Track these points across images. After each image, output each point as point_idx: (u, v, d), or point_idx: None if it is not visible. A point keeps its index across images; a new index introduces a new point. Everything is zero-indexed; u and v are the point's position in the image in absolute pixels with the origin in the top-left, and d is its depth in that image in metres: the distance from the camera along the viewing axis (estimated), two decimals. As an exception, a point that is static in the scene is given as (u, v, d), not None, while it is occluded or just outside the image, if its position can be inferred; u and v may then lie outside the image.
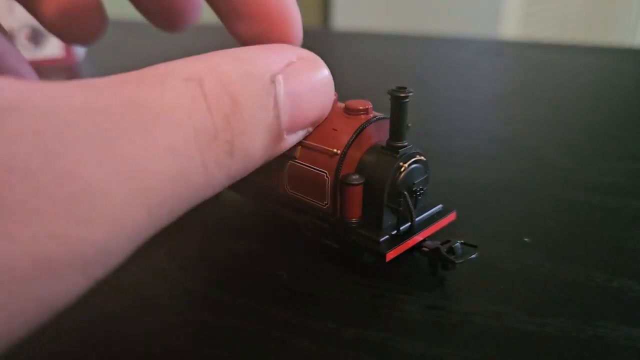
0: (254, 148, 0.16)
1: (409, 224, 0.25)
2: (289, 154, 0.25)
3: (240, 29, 0.21)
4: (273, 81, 0.16)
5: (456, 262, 0.24)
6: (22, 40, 0.61)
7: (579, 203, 0.33)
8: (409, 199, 0.24)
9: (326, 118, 0.25)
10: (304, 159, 0.25)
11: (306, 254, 0.27)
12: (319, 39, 0.82)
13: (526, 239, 0.29)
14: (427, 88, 0.59)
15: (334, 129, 0.25)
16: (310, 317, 0.23)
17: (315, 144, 0.25)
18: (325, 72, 0.19)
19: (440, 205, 0.27)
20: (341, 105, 0.26)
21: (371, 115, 0.25)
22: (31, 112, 0.12)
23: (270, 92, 0.16)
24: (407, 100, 0.23)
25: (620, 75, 0.65)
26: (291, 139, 0.19)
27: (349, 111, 0.25)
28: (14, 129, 0.11)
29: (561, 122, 0.48)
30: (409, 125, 0.25)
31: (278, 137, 0.17)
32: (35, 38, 0.60)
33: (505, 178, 0.37)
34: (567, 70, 0.66)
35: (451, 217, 0.27)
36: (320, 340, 0.22)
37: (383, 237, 0.24)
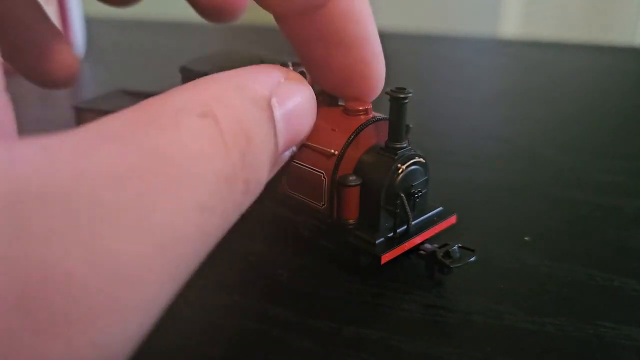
0: (262, 180, 0.16)
1: (406, 226, 0.25)
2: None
3: (322, 77, 0.22)
4: (270, 106, 0.16)
5: (452, 266, 0.24)
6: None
7: (579, 202, 0.33)
8: (405, 202, 0.24)
9: (326, 118, 0.25)
10: (302, 159, 0.25)
11: (306, 253, 0.27)
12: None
13: (526, 238, 0.29)
14: (426, 87, 0.59)
15: (332, 129, 0.25)
16: (310, 316, 0.23)
17: (313, 144, 0.25)
18: (310, 91, 0.20)
19: (440, 208, 0.27)
20: (341, 105, 0.26)
21: (371, 115, 0.25)
22: (58, 196, 0.10)
23: (270, 119, 0.16)
24: (406, 101, 0.23)
25: (620, 74, 0.65)
26: (282, 160, 0.19)
27: (348, 111, 0.25)
28: (43, 222, 0.10)
29: (561, 121, 0.48)
30: (410, 126, 0.24)
31: (276, 160, 0.17)
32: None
33: (505, 177, 0.36)
34: (567, 69, 0.66)
35: (451, 220, 0.27)
36: (320, 339, 0.22)
37: (379, 239, 0.24)
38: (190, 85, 0.15)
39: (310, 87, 0.20)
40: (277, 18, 0.22)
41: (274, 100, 0.16)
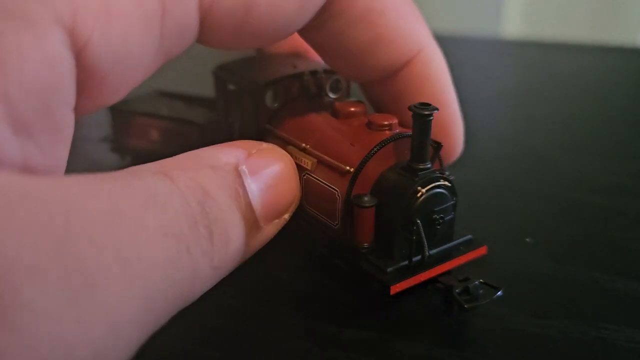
0: (233, 236, 0.16)
1: (421, 256, 0.22)
2: (305, 167, 0.24)
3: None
4: (238, 171, 0.17)
5: (466, 306, 0.21)
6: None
7: (581, 203, 0.33)
8: (421, 228, 0.21)
9: (346, 131, 0.24)
10: (318, 173, 0.23)
11: (306, 255, 0.27)
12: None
13: (528, 240, 0.29)
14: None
15: (351, 144, 0.23)
16: (310, 317, 0.23)
17: (329, 159, 0.23)
18: (286, 160, 0.20)
19: (469, 236, 0.24)
20: (366, 117, 0.24)
21: (396, 131, 0.23)
22: (38, 203, 0.11)
23: (237, 181, 0.16)
24: (431, 117, 0.21)
25: (623, 74, 0.64)
26: (269, 229, 0.19)
27: (371, 126, 0.23)
28: (22, 221, 0.11)
29: (563, 121, 0.48)
30: (441, 144, 0.23)
31: (255, 225, 0.18)
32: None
33: (506, 178, 0.36)
34: (570, 69, 0.66)
35: (480, 251, 0.24)
36: (320, 340, 0.22)
37: (391, 267, 0.22)
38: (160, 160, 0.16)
39: (288, 156, 0.20)
40: (359, 84, 0.22)
41: (242, 167, 0.17)
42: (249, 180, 0.17)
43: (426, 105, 0.21)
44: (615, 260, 0.27)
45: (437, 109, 0.21)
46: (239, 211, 0.16)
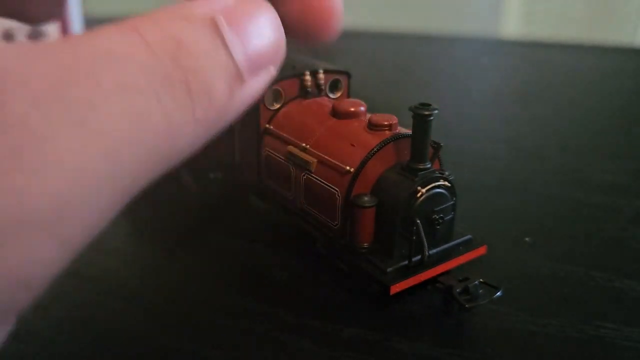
0: (214, 88, 0.16)
1: (421, 256, 0.22)
2: (305, 167, 0.24)
3: (281, 10, 0.21)
4: (214, 21, 0.16)
5: (467, 306, 0.21)
6: (22, 39, 0.60)
7: (579, 202, 0.33)
8: (421, 229, 0.22)
9: (346, 132, 0.24)
10: (318, 173, 0.23)
11: (307, 254, 0.27)
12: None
13: (527, 239, 0.29)
14: (426, 87, 0.58)
15: (352, 144, 0.23)
16: (311, 317, 0.23)
17: (329, 159, 0.23)
18: (267, 9, 0.18)
19: (468, 236, 0.24)
20: (366, 117, 0.24)
21: (396, 131, 0.23)
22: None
23: (215, 31, 0.16)
24: (431, 118, 0.21)
25: (621, 74, 0.65)
26: (255, 82, 0.18)
27: (372, 126, 0.23)
28: None
29: (562, 121, 0.48)
30: (441, 144, 0.23)
31: (238, 77, 0.17)
32: (34, 37, 0.60)
33: (505, 177, 0.36)
34: (568, 69, 0.66)
35: (480, 250, 0.24)
36: (320, 340, 0.22)
37: (391, 267, 0.22)
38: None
39: (268, 4, 0.19)
40: None
41: (219, 17, 0.16)
42: (227, 29, 0.16)
43: (426, 105, 0.21)
44: (613, 259, 0.27)
45: (437, 109, 0.21)
46: (219, 62, 0.16)
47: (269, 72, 0.19)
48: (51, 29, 0.51)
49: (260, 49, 0.18)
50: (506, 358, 0.21)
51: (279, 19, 0.19)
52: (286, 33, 0.22)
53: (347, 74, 0.29)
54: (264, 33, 0.18)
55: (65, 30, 0.62)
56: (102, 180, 0.12)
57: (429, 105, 0.21)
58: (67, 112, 0.12)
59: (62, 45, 0.13)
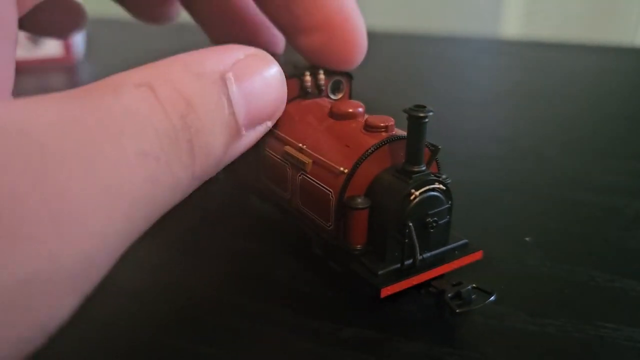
0: (214, 146, 0.16)
1: (413, 259, 0.22)
2: (301, 167, 0.24)
3: (303, 42, 0.22)
4: (224, 79, 0.16)
5: (458, 311, 0.21)
6: (21, 39, 0.61)
7: (580, 202, 0.33)
8: (413, 232, 0.21)
9: (341, 133, 0.24)
10: (313, 174, 0.23)
11: (305, 254, 0.27)
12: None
13: (527, 239, 0.29)
14: (426, 87, 0.58)
15: (347, 146, 0.23)
16: (310, 317, 0.23)
17: (324, 160, 0.23)
18: (275, 67, 0.19)
19: (464, 240, 0.24)
20: (363, 119, 0.24)
21: (392, 133, 0.23)
22: (9, 133, 0.12)
23: (222, 90, 0.16)
24: (426, 120, 0.21)
25: (621, 74, 0.65)
26: (251, 135, 0.19)
27: (368, 127, 0.23)
28: (3, 155, 0.11)
29: (562, 121, 0.48)
30: (439, 147, 0.22)
31: (237, 133, 0.18)
32: (34, 37, 0.60)
33: (505, 177, 0.36)
34: (568, 69, 0.66)
35: (475, 255, 0.24)
36: (320, 340, 0.22)
37: (382, 270, 0.22)
38: (148, 64, 0.16)
39: (276, 64, 0.19)
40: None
41: (229, 75, 0.16)
42: (234, 88, 0.17)
43: (421, 107, 0.21)
44: (613, 259, 0.27)
45: (432, 111, 0.21)
46: (222, 121, 0.16)
47: (266, 126, 0.19)
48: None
49: (262, 106, 0.18)
50: (506, 358, 0.21)
51: (284, 76, 0.19)
52: (310, 61, 0.23)
53: (349, 75, 0.29)
54: (268, 92, 0.18)
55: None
56: (119, 238, 0.13)
57: (424, 107, 0.21)
58: (97, 180, 0.13)
59: (83, 104, 0.14)
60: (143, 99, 0.14)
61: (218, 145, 0.16)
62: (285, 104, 0.22)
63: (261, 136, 0.20)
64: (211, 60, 0.17)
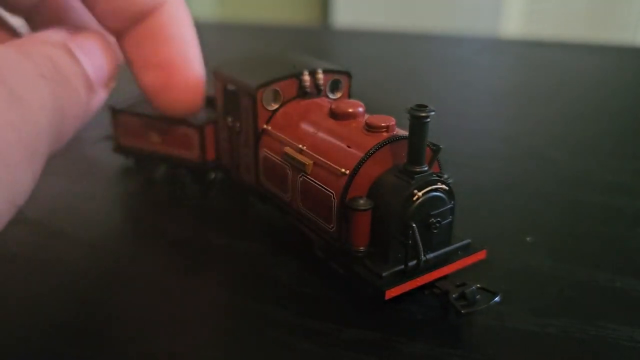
0: (81, 92, 0.20)
1: (417, 260, 0.22)
2: (301, 168, 0.24)
3: (146, 79, 0.25)
4: (68, 46, 0.20)
5: (463, 312, 0.21)
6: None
7: (581, 202, 0.33)
8: (416, 233, 0.21)
9: (343, 134, 0.23)
10: (314, 175, 0.23)
11: (306, 255, 0.27)
12: (318, 37, 0.82)
13: (528, 239, 0.29)
14: (426, 87, 0.58)
15: (348, 146, 0.23)
16: (311, 317, 0.23)
17: (325, 161, 0.23)
18: (100, 37, 0.22)
19: (467, 241, 0.24)
20: (364, 119, 0.24)
21: (393, 133, 0.23)
22: None
23: (71, 53, 0.20)
24: (428, 120, 0.21)
25: (622, 73, 0.64)
26: (101, 94, 0.22)
27: (369, 127, 0.23)
28: None
29: (563, 120, 0.48)
30: (440, 147, 0.22)
31: (92, 89, 0.21)
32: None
33: (507, 177, 0.36)
34: (569, 68, 0.66)
35: (479, 255, 0.24)
36: (320, 340, 0.22)
37: (386, 272, 0.21)
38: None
39: (101, 35, 0.23)
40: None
41: (72, 44, 0.20)
42: (79, 52, 0.20)
43: (423, 106, 0.21)
44: (614, 259, 0.27)
45: (434, 110, 0.21)
46: (79, 74, 0.20)
47: (110, 87, 0.22)
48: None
49: (102, 68, 0.22)
50: (507, 358, 0.21)
51: (107, 43, 0.23)
52: (150, 103, 0.25)
53: (348, 74, 0.29)
54: (102, 56, 0.22)
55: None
56: (47, 122, 0.17)
57: (426, 106, 0.21)
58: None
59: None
60: (19, 59, 0.18)
61: (83, 92, 0.20)
62: (117, 70, 0.23)
63: (104, 100, 0.22)
64: (54, 34, 0.21)
